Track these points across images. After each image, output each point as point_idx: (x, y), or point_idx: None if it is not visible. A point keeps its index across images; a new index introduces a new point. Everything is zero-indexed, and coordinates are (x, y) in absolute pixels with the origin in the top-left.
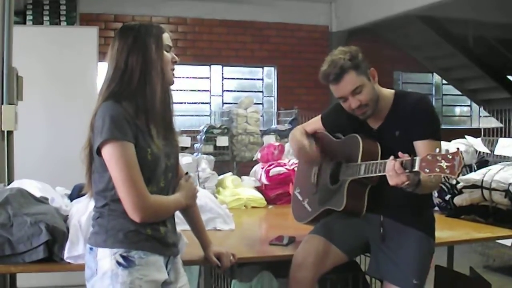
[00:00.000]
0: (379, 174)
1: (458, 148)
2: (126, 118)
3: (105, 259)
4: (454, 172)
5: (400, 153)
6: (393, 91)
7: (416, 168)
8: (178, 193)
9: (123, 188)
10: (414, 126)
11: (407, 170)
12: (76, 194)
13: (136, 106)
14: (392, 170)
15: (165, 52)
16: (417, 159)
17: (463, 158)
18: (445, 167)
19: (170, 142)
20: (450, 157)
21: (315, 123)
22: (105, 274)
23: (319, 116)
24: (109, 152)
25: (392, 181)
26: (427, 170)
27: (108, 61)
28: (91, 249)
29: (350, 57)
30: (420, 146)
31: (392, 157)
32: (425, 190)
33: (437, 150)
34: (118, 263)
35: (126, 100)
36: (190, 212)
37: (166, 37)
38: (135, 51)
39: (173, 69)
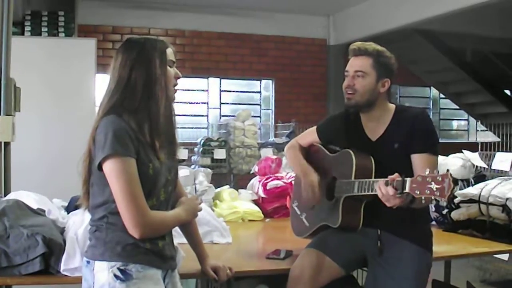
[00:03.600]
0: (372, 193)
1: (448, 170)
2: (128, 133)
3: (102, 272)
4: (444, 194)
5: (389, 177)
6: (394, 105)
7: (407, 190)
8: (178, 207)
9: (123, 204)
10: (413, 140)
11: (398, 191)
12: (73, 206)
13: (139, 120)
14: (385, 196)
15: (168, 68)
16: (408, 180)
17: (453, 181)
18: (435, 189)
19: (171, 156)
20: (440, 179)
21: (310, 135)
22: (102, 287)
23: (314, 127)
24: (110, 168)
25: (388, 204)
26: (418, 192)
27: (110, 74)
28: (88, 262)
29: (381, 51)
30: (417, 159)
31: (382, 180)
32: (418, 205)
33: (427, 171)
34: (116, 277)
35: (129, 113)
36: (188, 225)
37: (170, 52)
38: (139, 65)
39: (176, 85)
